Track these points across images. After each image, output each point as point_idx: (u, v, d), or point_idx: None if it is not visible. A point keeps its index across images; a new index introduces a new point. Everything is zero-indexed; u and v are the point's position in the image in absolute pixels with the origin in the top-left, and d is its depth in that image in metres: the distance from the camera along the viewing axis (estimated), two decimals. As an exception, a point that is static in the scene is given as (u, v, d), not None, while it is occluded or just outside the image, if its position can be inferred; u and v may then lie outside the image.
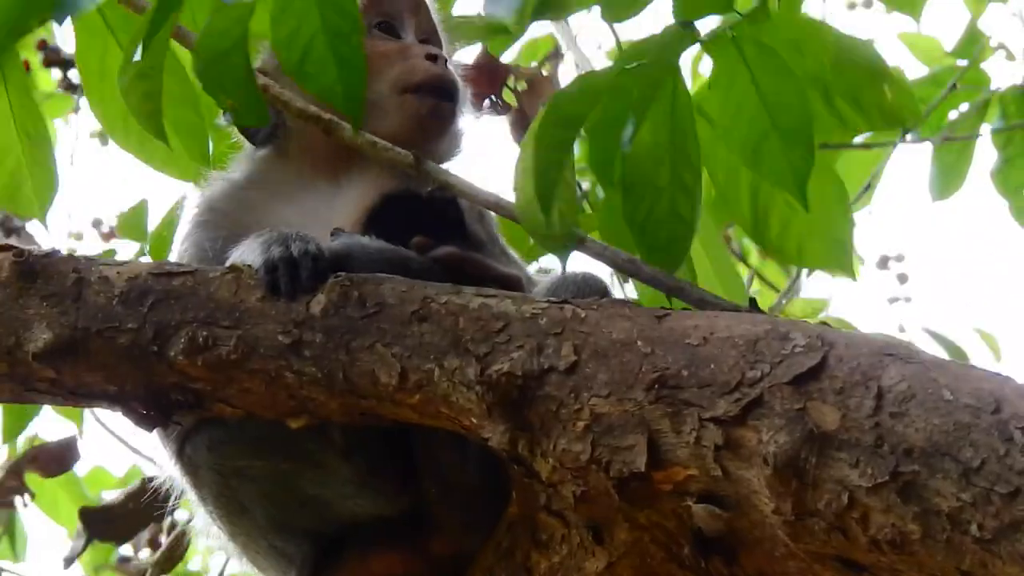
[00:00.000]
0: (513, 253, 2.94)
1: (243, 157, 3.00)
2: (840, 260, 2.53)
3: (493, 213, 2.86)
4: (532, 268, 3.11)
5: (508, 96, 4.39)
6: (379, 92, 2.86)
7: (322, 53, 2.47)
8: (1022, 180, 5.47)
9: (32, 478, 5.31)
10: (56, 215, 3.23)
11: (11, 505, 5.68)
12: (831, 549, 2.20)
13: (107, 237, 6.34)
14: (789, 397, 2.22)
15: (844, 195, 2.64)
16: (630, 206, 2.57)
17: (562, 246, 2.52)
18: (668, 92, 2.53)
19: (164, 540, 5.05)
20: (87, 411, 4.85)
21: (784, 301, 5.68)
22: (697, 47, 2.53)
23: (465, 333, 2.41)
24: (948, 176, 5.44)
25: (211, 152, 3.09)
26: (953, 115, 5.60)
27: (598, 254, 2.57)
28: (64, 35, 5.97)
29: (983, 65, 5.70)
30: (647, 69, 2.46)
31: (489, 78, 4.26)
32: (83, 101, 5.04)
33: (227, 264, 2.58)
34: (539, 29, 5.09)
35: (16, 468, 5.27)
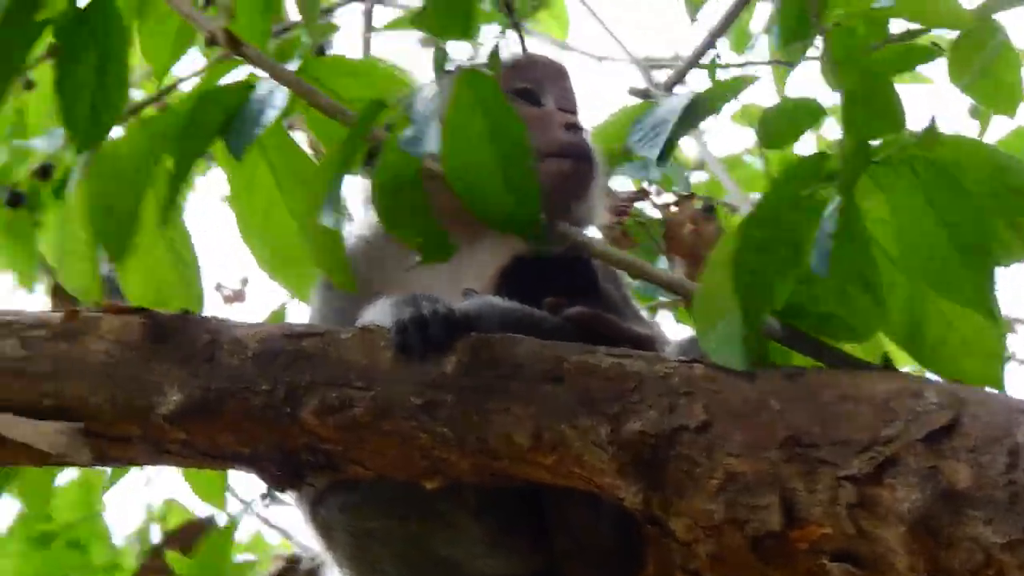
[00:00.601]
0: (645, 314, 2.94)
1: (372, 212, 3.02)
2: (995, 375, 2.51)
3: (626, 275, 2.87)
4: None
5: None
6: None
7: (498, 185, 2.51)
8: None
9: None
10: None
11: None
12: (966, 605, 2.19)
13: (229, 300, 6.26)
14: (923, 455, 2.22)
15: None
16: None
17: None
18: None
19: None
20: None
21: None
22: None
23: (597, 393, 2.41)
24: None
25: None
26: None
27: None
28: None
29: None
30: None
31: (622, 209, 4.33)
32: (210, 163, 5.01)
33: (358, 325, 2.59)
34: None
35: (157, 552, 5.27)
